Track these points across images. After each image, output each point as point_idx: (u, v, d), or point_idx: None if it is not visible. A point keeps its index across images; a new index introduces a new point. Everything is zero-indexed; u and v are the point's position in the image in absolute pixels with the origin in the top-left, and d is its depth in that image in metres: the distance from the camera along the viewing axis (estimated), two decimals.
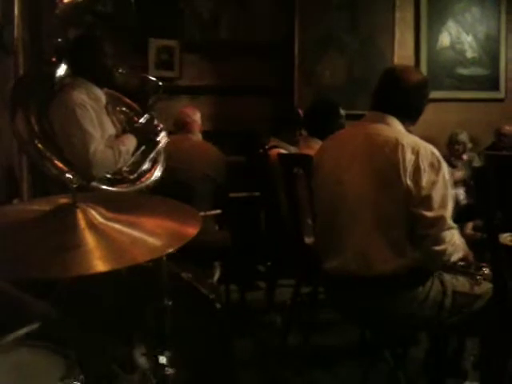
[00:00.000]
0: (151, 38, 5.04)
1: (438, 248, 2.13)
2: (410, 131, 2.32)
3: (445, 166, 2.17)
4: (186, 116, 3.94)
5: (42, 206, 1.36)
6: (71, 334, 1.49)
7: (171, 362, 1.51)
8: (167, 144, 2.94)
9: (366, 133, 2.29)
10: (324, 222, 2.42)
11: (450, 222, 2.15)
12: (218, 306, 1.92)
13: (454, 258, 2.18)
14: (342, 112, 3.50)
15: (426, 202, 2.11)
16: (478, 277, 2.27)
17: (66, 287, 1.68)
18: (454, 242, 2.15)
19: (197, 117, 3.97)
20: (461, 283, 2.26)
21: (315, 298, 3.08)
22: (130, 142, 2.73)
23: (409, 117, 2.32)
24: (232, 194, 4.04)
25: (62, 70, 2.63)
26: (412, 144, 2.16)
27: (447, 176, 2.17)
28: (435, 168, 2.14)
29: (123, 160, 2.65)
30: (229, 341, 2.01)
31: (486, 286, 2.24)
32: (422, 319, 2.25)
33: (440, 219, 2.12)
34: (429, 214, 2.12)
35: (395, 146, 2.15)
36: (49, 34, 2.73)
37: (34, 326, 1.35)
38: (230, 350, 2.02)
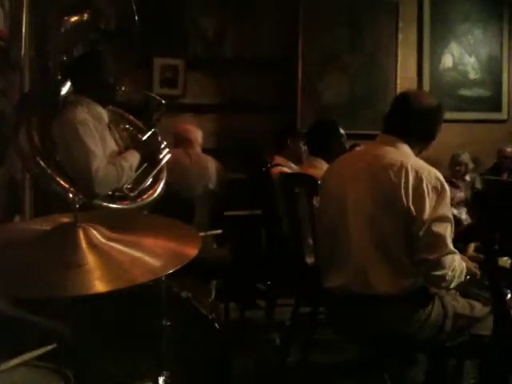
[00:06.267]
0: (156, 58, 5.07)
1: (437, 273, 2.12)
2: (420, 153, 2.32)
3: (448, 190, 2.18)
4: (188, 132, 3.97)
5: (43, 224, 1.36)
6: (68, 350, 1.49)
7: (170, 381, 1.51)
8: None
9: (373, 154, 2.31)
10: (326, 240, 2.42)
11: (450, 246, 2.14)
12: (218, 326, 1.92)
13: (454, 283, 2.16)
14: (342, 131, 3.51)
15: (427, 226, 2.11)
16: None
17: (64, 304, 1.67)
18: (454, 267, 2.13)
19: (198, 135, 4.01)
20: (461, 305, 2.26)
21: (315, 317, 3.06)
22: (133, 157, 2.70)
23: (419, 140, 2.32)
24: (233, 212, 4.05)
25: (66, 87, 2.64)
26: (416, 167, 2.16)
27: (449, 201, 2.17)
28: (438, 192, 2.14)
29: (126, 176, 2.62)
30: (228, 360, 2.00)
31: (487, 309, 2.24)
32: (422, 340, 2.25)
33: (440, 244, 2.12)
34: (429, 238, 2.12)
35: (399, 168, 2.16)
36: (55, 51, 2.74)
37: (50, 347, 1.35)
38: (228, 370, 2.01)
